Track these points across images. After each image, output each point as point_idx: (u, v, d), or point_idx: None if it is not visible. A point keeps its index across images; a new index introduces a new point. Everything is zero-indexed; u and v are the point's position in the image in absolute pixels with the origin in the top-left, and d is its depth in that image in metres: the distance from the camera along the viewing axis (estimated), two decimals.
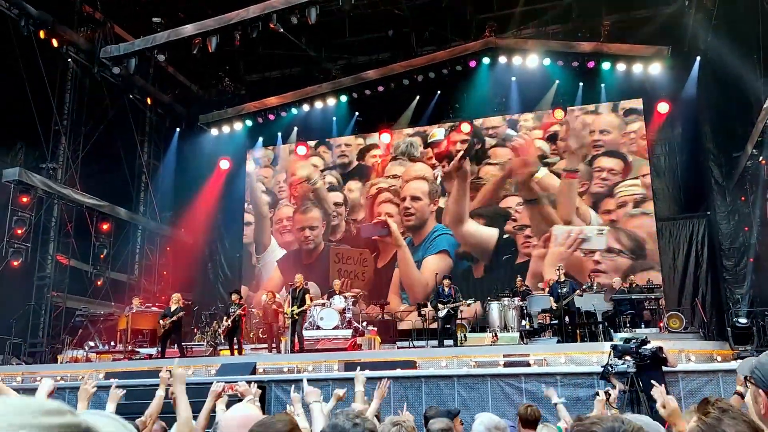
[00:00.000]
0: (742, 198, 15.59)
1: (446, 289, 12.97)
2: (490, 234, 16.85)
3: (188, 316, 16.27)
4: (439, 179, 17.82)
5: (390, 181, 18.49)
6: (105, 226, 18.00)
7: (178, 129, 20.62)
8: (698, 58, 15.97)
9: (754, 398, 2.01)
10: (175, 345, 13.67)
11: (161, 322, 13.28)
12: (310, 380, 8.11)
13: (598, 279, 14.50)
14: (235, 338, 13.40)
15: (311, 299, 13.67)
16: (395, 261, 17.70)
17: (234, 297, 13.71)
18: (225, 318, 13.40)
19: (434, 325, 13.55)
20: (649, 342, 7.94)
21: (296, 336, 12.86)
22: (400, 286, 17.52)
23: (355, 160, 19.39)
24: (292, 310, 12.80)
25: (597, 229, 15.87)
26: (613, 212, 16.23)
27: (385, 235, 17.96)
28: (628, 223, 16.18)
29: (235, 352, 13.31)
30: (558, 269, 13.23)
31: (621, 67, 16.59)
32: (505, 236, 16.83)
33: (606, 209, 16.29)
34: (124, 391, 4.47)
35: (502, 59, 17.44)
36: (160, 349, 13.52)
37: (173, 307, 13.36)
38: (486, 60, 17.59)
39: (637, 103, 16.98)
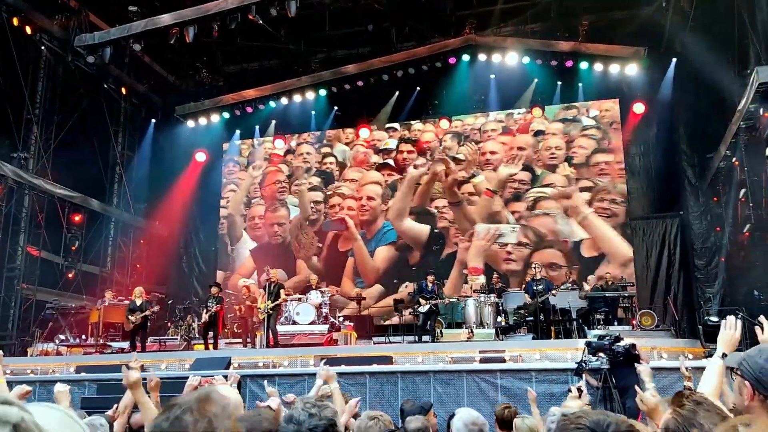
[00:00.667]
0: (715, 198, 15.86)
1: (429, 285, 12.95)
2: (423, 229, 18.76)
3: (162, 310, 16.11)
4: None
5: (349, 184, 19.61)
6: (77, 218, 17.70)
7: (153, 120, 20.34)
8: (674, 59, 16.18)
9: (738, 389, 2.09)
10: (140, 340, 13.42)
11: (130, 317, 13.02)
12: (283, 375, 8.06)
13: (508, 266, 17.35)
14: (212, 333, 13.24)
15: (286, 294, 13.58)
16: (349, 250, 19.17)
17: (213, 290, 13.53)
18: (204, 311, 13.23)
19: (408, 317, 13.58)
20: (622, 339, 8.02)
21: (270, 331, 12.76)
22: (354, 272, 18.97)
23: (314, 166, 20.03)
24: (266, 305, 12.68)
25: (510, 227, 17.88)
26: (522, 212, 17.96)
27: (343, 230, 19.21)
28: (533, 221, 17.72)
29: (210, 346, 13.18)
30: (534, 267, 13.32)
31: (598, 67, 16.75)
32: (435, 230, 18.62)
33: (516, 210, 17.99)
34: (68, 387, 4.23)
35: (482, 57, 17.48)
36: (129, 344, 13.31)
37: (138, 301, 13.13)
38: (465, 57, 17.62)
39: (540, 125, 18.23)
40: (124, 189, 19.76)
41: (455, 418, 3.41)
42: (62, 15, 16.91)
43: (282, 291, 13.01)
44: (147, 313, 13.01)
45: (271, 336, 12.73)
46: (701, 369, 3.09)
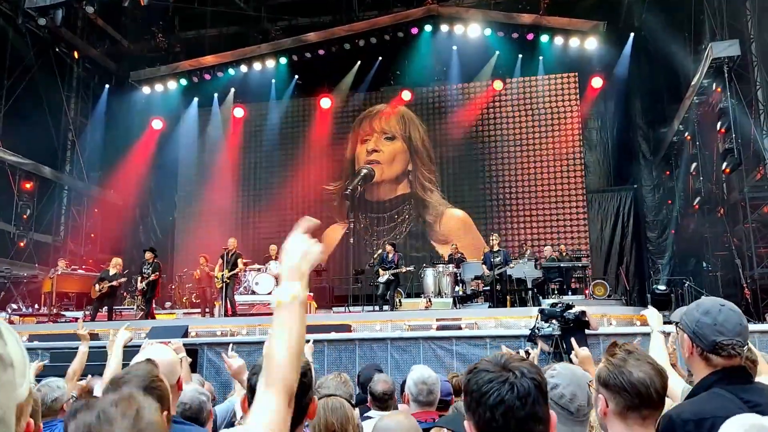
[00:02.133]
0: (667, 172, 16.28)
1: (390, 255, 13.02)
2: None
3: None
4: None
5: None
6: (28, 185, 17.18)
7: (107, 85, 19.72)
8: (632, 34, 16.38)
9: (681, 343, 2.18)
10: (105, 309, 13.23)
11: (97, 285, 12.76)
12: (241, 343, 8.07)
13: None
14: (147, 299, 12.95)
15: (244, 264, 13.49)
16: None
17: (148, 255, 13.13)
18: (140, 278, 13.00)
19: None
20: (573, 306, 8.23)
21: (228, 300, 12.68)
22: None
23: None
24: (223, 275, 12.58)
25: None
26: None
27: None
28: None
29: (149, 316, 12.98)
30: (492, 239, 13.51)
31: (559, 40, 16.83)
32: None
33: None
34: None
35: (444, 27, 17.40)
36: (91, 312, 13.04)
37: (112, 271, 12.84)
38: (428, 28, 17.49)
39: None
40: (77, 156, 19.21)
41: (408, 376, 3.47)
42: None
43: (239, 260, 12.92)
44: (114, 283, 12.76)
45: (228, 305, 12.66)
46: (648, 335, 3.24)
